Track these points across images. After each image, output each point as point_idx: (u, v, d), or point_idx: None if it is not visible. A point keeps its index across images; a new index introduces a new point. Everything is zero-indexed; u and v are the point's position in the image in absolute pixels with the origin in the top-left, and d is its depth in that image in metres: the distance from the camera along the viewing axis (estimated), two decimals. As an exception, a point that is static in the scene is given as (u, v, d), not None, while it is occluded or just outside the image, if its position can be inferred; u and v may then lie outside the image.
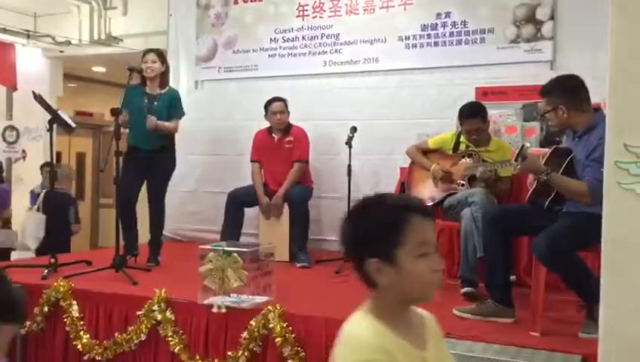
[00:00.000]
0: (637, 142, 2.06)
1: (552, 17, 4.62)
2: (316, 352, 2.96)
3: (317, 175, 5.20)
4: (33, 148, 6.89)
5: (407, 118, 4.99)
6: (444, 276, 4.05)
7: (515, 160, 2.93)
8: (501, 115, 4.37)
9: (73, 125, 4.24)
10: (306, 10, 5.49)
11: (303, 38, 5.49)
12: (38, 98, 4.12)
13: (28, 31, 6.57)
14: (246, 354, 3.05)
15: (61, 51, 6.76)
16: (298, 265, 4.57)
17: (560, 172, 2.91)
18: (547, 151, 3.24)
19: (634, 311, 2.11)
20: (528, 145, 3.17)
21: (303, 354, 2.96)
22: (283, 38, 5.57)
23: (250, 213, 5.01)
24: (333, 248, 5.09)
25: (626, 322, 2.12)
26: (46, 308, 3.54)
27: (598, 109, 2.95)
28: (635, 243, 2.09)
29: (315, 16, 5.46)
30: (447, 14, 4.96)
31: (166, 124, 4.39)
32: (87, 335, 3.44)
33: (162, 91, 4.48)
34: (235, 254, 3.17)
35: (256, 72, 5.70)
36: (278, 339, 2.98)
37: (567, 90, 2.94)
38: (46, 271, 3.89)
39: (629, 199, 2.08)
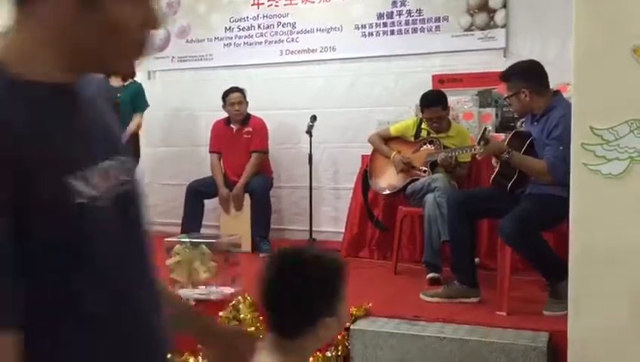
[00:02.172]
0: (602, 125, 2.15)
1: (504, 5, 4.72)
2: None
3: (276, 165, 5.18)
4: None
5: (365, 106, 5.02)
6: (407, 261, 4.15)
7: (478, 143, 2.99)
8: (458, 102, 4.45)
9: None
10: (261, -1, 5.45)
11: (259, 27, 5.44)
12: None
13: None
14: (217, 346, 3.02)
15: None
16: (261, 254, 4.53)
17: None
18: (506, 135, 3.33)
19: (601, 289, 2.20)
20: (490, 128, 3.25)
21: (276, 342, 2.96)
22: (238, 27, 5.50)
23: (210, 204, 4.96)
24: (294, 237, 5.10)
25: (594, 300, 2.22)
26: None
27: (557, 92, 3.04)
28: (602, 222, 2.18)
29: (271, 5, 5.41)
30: (403, 3, 5.01)
31: (131, 127, 4.42)
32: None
33: (126, 83, 4.50)
34: (203, 246, 3.14)
35: (211, 62, 5.60)
36: (250, 329, 2.97)
37: (528, 74, 3.03)
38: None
39: (595, 180, 2.17)
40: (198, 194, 4.82)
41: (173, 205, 5.25)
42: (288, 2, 5.35)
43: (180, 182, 5.16)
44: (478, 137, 2.99)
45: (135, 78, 4.58)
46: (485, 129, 3.01)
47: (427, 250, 3.67)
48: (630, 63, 2.10)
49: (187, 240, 3.18)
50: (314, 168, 4.76)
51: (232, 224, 4.67)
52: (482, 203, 3.19)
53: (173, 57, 5.73)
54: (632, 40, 2.10)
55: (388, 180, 4.08)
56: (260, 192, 4.69)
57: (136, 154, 4.59)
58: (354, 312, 2.84)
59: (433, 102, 3.90)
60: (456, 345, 2.57)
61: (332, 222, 5.09)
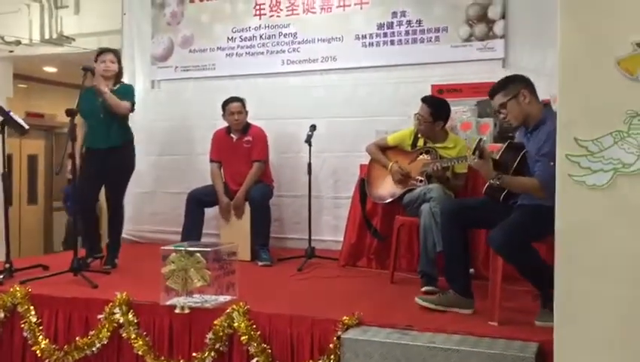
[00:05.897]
0: (587, 136, 2.16)
1: (503, 16, 4.76)
2: (282, 348, 2.99)
3: (277, 174, 5.22)
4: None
5: (365, 116, 5.06)
6: (404, 270, 4.16)
7: (473, 153, 3.00)
8: (456, 112, 4.46)
9: (26, 127, 4.13)
10: (263, 9, 5.50)
11: (261, 37, 5.50)
12: (-11, 99, 4.01)
13: (-25, 30, 6.38)
14: (212, 354, 3.05)
15: (10, 51, 6.57)
16: (260, 263, 4.57)
17: (514, 166, 3.01)
18: (501, 146, 3.34)
19: (587, 298, 2.20)
20: (484, 139, 3.25)
21: (270, 350, 2.99)
22: (240, 37, 5.57)
23: (210, 213, 5.00)
24: (294, 246, 5.12)
25: (579, 309, 2.22)
26: (2, 314, 3.46)
27: (546, 105, 3.05)
28: (587, 233, 2.19)
29: (272, 15, 5.47)
30: (403, 13, 5.05)
31: (116, 99, 4.28)
32: (47, 341, 3.37)
33: (115, 88, 4.37)
34: (198, 254, 3.16)
35: (213, 72, 5.68)
36: (243, 337, 2.99)
37: (524, 79, 3.03)
38: (1, 276, 3.79)
39: (580, 191, 2.17)
40: (198, 202, 4.86)
41: (176, 213, 5.28)
42: (290, 12, 5.41)
43: (183, 190, 5.19)
44: (473, 147, 3.00)
45: (123, 80, 4.55)
46: (480, 140, 3.01)
47: (422, 259, 3.68)
48: (614, 75, 2.12)
49: (182, 248, 3.20)
50: (314, 177, 4.79)
51: (232, 232, 4.70)
52: (475, 212, 3.19)
53: (177, 67, 5.81)
54: (617, 52, 2.11)
55: (385, 189, 4.10)
56: (259, 201, 4.72)
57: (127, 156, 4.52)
58: (346, 321, 2.86)
59: (426, 100, 3.98)
60: (445, 355, 2.57)
61: (332, 230, 5.11)
